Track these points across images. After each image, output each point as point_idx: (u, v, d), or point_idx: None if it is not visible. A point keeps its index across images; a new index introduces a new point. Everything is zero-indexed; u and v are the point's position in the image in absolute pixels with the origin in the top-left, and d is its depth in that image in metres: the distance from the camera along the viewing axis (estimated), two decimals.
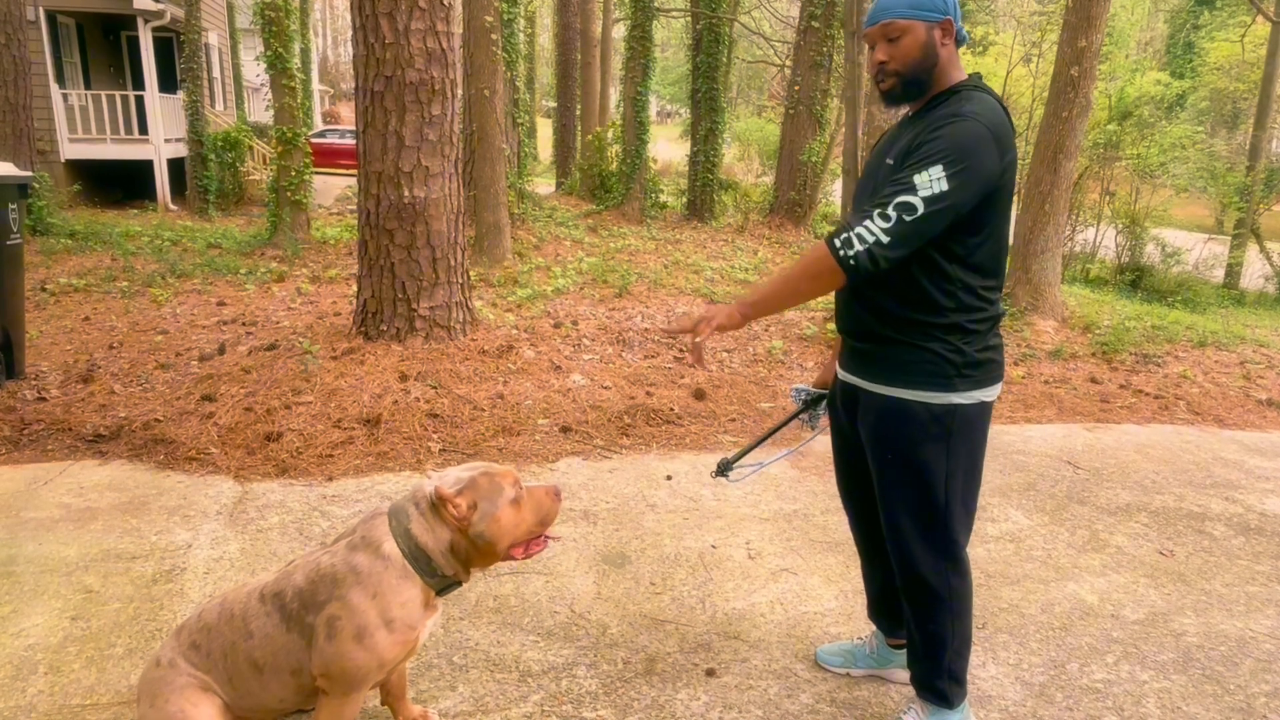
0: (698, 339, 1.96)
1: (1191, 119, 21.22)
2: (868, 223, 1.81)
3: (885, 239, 1.80)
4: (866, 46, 2.02)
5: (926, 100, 1.98)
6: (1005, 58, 16.28)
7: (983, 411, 2.03)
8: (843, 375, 2.20)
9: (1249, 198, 15.41)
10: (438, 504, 1.80)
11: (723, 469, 2.39)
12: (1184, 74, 24.35)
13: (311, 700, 1.85)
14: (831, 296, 2.12)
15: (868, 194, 2.03)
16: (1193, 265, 13.72)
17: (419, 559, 1.81)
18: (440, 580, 1.84)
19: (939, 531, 2.05)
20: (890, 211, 1.80)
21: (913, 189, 1.79)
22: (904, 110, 2.08)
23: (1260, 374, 6.67)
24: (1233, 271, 15.07)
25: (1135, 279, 12.81)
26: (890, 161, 1.95)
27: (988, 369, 2.00)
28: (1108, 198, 14.09)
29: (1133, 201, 13.80)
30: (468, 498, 1.80)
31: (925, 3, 1.91)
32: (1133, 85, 14.14)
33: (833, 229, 1.86)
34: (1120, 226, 13.49)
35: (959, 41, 1.96)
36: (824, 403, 2.41)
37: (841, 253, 1.82)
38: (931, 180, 1.79)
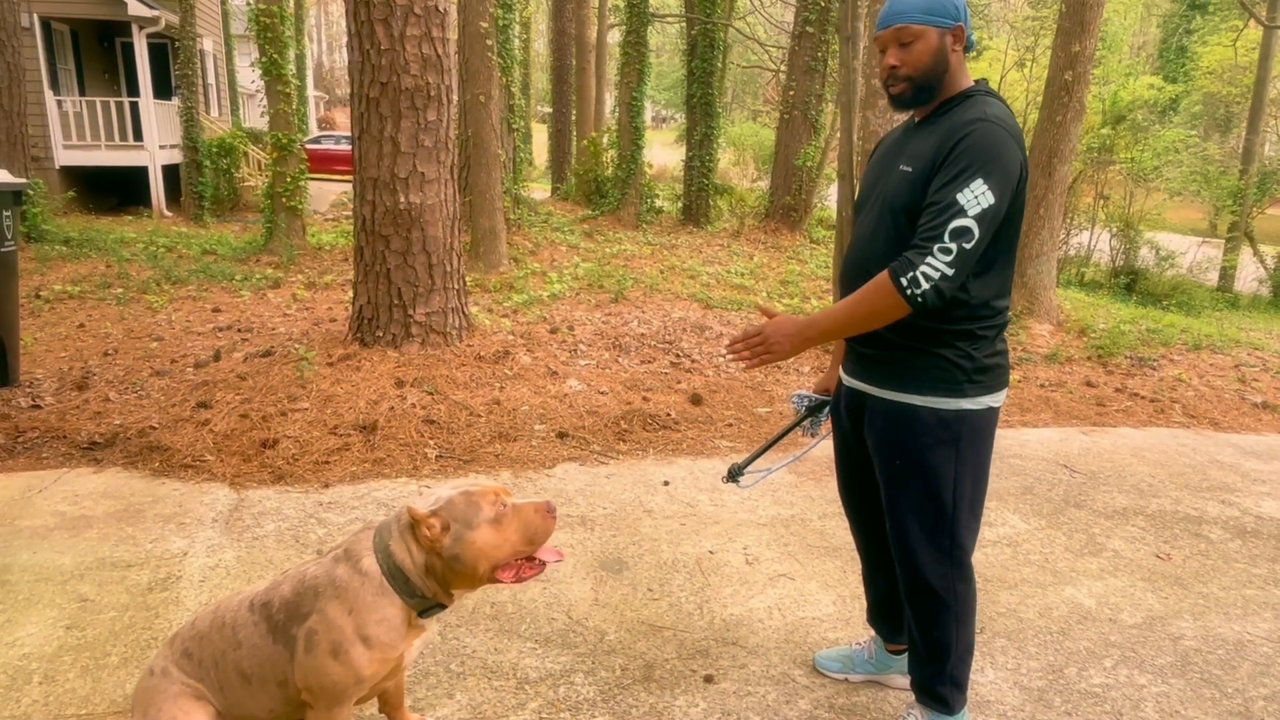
0: (754, 361, 1.97)
1: (1185, 123, 21.31)
2: (930, 259, 1.79)
3: (950, 271, 1.79)
4: (878, 50, 2.00)
5: (936, 105, 1.98)
6: (999, 62, 16.34)
7: (990, 417, 2.03)
8: (848, 381, 2.20)
9: (1242, 201, 15.47)
10: (413, 522, 1.75)
11: (733, 474, 2.39)
12: (1177, 78, 24.46)
13: (300, 711, 1.83)
14: (830, 298, 2.12)
15: (879, 202, 2.03)
16: (1187, 268, 13.77)
17: (396, 577, 1.76)
18: (421, 601, 1.78)
19: (945, 537, 2.05)
20: (949, 243, 1.79)
21: (961, 211, 1.78)
22: (904, 116, 2.08)
23: (1255, 377, 6.68)
24: (1227, 275, 15.12)
25: (1130, 282, 12.85)
26: (907, 169, 1.94)
27: (995, 374, 2.01)
28: (1102, 201, 14.14)
29: (1127, 205, 13.85)
30: (441, 518, 1.73)
31: (939, 9, 1.91)
32: (1126, 89, 14.19)
33: (894, 264, 1.83)
34: (1114, 230, 13.53)
35: (968, 48, 1.96)
36: (825, 410, 2.40)
37: (909, 291, 1.81)
38: (977, 196, 1.78)
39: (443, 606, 1.82)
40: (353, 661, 1.74)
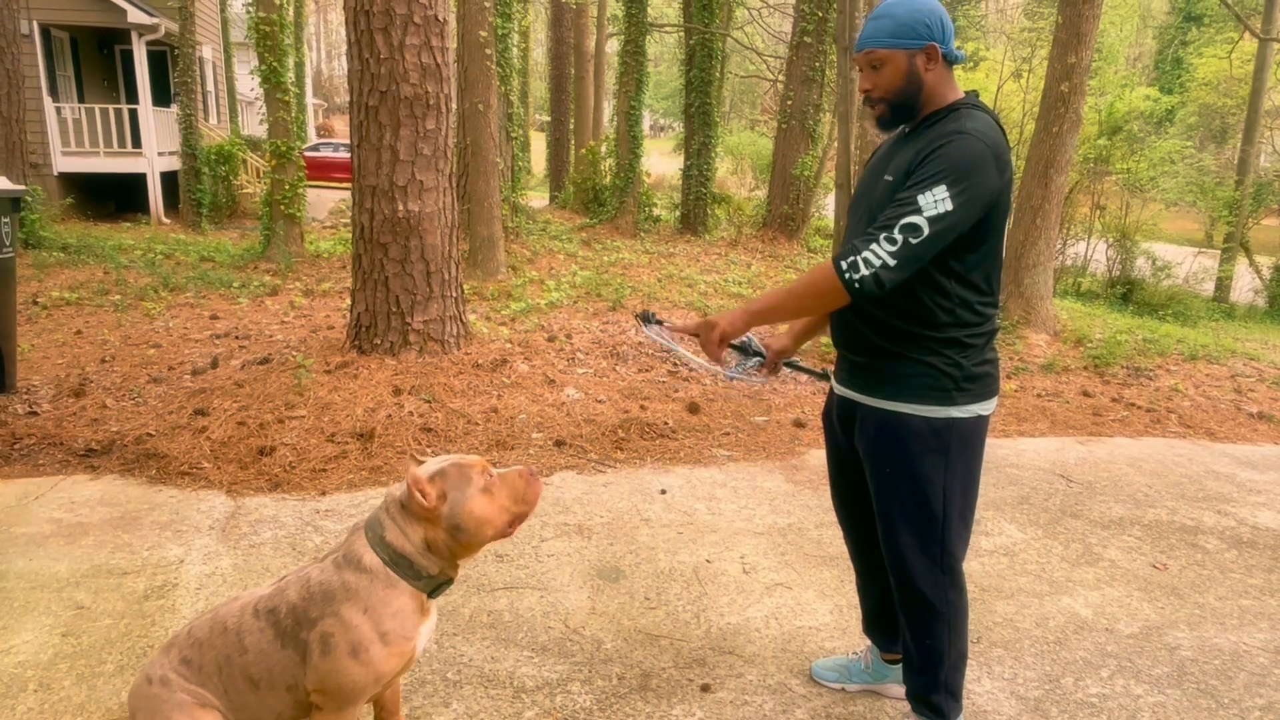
0: (708, 352, 2.02)
1: (1180, 134, 21.40)
2: (874, 246, 1.82)
3: (891, 262, 1.81)
4: (858, 72, 2.04)
5: (923, 118, 2.00)
6: (996, 73, 16.41)
7: (980, 425, 2.04)
8: (839, 390, 2.21)
9: (1238, 212, 15.54)
10: (408, 495, 1.79)
11: (647, 318, 2.38)
12: (1173, 89, 24.57)
13: (309, 714, 1.84)
14: None
15: (864, 209, 2.05)
16: (1183, 279, 13.81)
17: (400, 564, 1.81)
18: (428, 581, 1.84)
19: (936, 545, 2.06)
20: (896, 235, 1.81)
21: (917, 209, 1.81)
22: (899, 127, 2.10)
23: (1251, 387, 6.70)
24: (1222, 285, 15.16)
25: (1126, 292, 12.89)
26: (889, 178, 1.97)
27: (984, 383, 2.02)
28: (1098, 212, 14.19)
29: (1123, 215, 13.90)
30: (437, 486, 1.80)
31: (905, 31, 1.92)
32: (1122, 100, 14.25)
33: (839, 249, 1.87)
34: (1111, 240, 13.58)
35: (952, 61, 1.98)
36: (756, 361, 2.36)
37: (847, 275, 1.83)
38: (936, 201, 1.80)
39: (450, 581, 1.88)
40: (373, 659, 1.77)
